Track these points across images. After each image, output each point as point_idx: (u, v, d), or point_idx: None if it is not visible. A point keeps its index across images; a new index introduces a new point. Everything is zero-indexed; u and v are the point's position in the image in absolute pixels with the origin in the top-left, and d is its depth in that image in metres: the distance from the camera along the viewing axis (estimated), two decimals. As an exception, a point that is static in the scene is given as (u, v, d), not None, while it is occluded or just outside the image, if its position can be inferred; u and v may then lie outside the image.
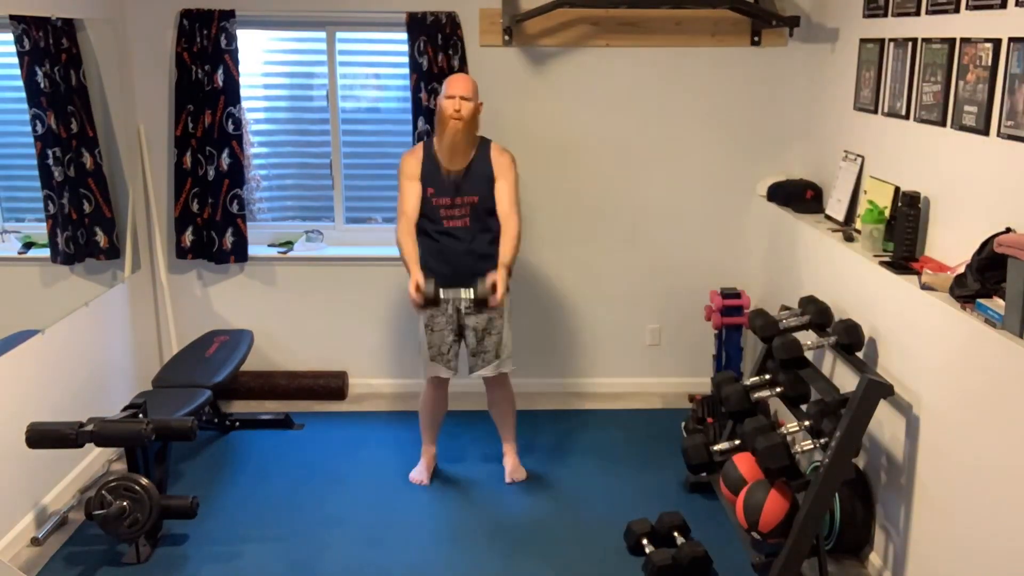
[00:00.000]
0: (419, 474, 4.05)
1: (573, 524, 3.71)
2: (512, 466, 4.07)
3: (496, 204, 3.76)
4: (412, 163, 3.79)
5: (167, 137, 4.70)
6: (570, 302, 4.94)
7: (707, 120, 4.73)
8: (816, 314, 3.57)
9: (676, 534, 3.47)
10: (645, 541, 3.45)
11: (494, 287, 3.60)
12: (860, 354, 3.33)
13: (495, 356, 3.89)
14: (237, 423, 4.55)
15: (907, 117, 3.43)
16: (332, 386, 4.91)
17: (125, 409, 3.61)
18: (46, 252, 4.06)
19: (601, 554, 3.50)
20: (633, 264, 4.91)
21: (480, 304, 3.63)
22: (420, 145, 3.85)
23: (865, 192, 3.75)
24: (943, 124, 3.15)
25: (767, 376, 3.64)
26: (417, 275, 3.64)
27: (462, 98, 3.67)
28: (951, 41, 3.09)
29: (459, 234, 3.77)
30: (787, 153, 4.75)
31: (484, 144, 3.81)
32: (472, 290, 3.62)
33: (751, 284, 4.80)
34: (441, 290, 3.64)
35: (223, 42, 4.52)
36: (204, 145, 4.63)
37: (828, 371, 3.67)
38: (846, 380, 3.49)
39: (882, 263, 3.26)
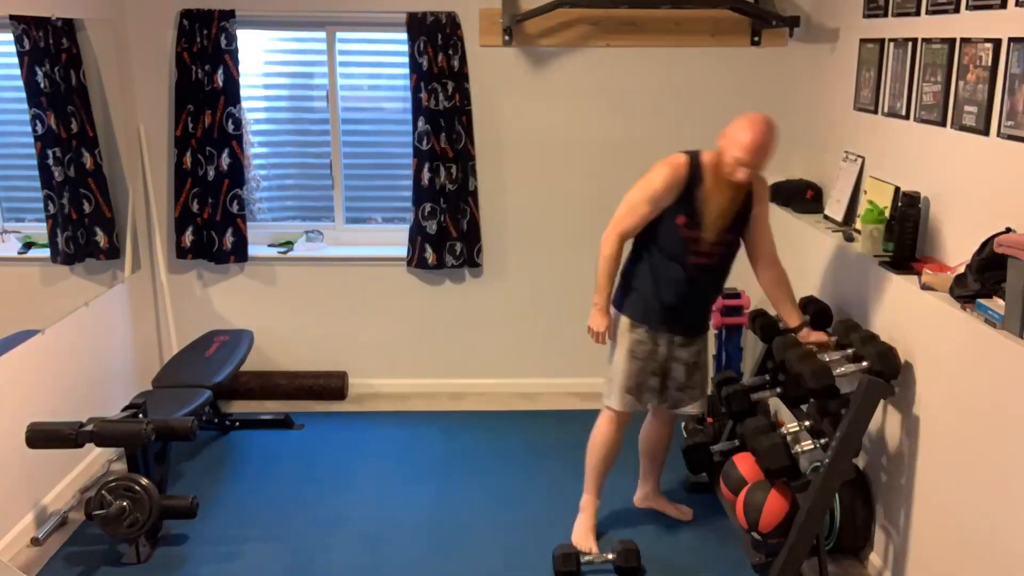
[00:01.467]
0: (587, 541, 3.49)
1: (571, 522, 3.69)
2: (674, 506, 3.76)
3: (758, 246, 3.38)
4: (674, 185, 3.22)
5: (167, 137, 4.70)
6: (571, 302, 4.93)
7: (707, 120, 4.70)
8: (816, 314, 3.57)
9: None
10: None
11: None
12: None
13: (702, 393, 3.50)
14: (237, 423, 4.54)
15: (907, 117, 3.43)
16: (332, 386, 4.91)
17: (125, 409, 3.61)
18: (46, 252, 4.06)
19: (599, 551, 3.50)
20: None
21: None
22: (686, 160, 3.24)
23: (865, 192, 3.75)
24: (943, 124, 3.15)
25: (767, 376, 3.64)
26: (605, 320, 3.33)
27: (753, 170, 3.15)
28: (951, 41, 3.10)
29: (704, 272, 3.33)
30: (787, 153, 4.73)
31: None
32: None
33: (751, 284, 4.79)
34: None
35: (223, 42, 4.52)
36: (204, 145, 4.63)
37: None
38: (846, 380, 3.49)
39: (882, 263, 3.26)
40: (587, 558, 3.39)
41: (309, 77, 4.84)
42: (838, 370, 3.16)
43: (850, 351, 3.19)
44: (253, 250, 4.84)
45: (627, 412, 3.47)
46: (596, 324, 3.36)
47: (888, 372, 3.01)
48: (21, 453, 3.43)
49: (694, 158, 3.26)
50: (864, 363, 3.06)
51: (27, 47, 3.79)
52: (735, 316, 4.46)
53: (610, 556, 3.38)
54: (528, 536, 3.62)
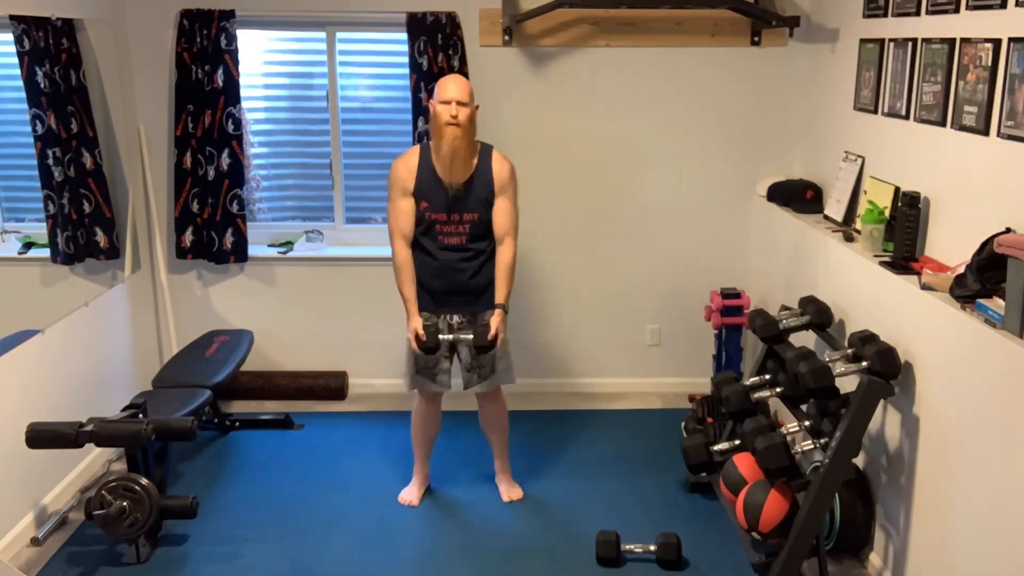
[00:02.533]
0: (409, 494, 3.87)
1: (573, 524, 3.70)
2: (507, 486, 3.94)
3: (493, 223, 3.57)
4: (405, 174, 3.54)
5: (167, 137, 4.70)
6: (570, 302, 4.94)
7: (707, 120, 4.74)
8: (816, 314, 3.57)
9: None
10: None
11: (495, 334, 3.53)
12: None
13: (491, 371, 3.71)
14: (237, 423, 4.55)
15: (907, 117, 3.43)
16: (332, 386, 4.91)
17: (125, 409, 3.61)
18: (46, 252, 4.06)
19: (598, 561, 3.50)
20: (633, 264, 4.91)
21: (482, 349, 3.55)
22: (415, 151, 3.59)
23: (865, 192, 3.75)
24: (943, 124, 3.15)
25: (767, 376, 3.64)
26: (416, 322, 3.52)
27: (459, 103, 3.41)
28: (951, 41, 3.10)
29: (456, 252, 3.58)
30: (787, 153, 4.75)
31: (485, 152, 3.58)
32: (471, 335, 3.54)
33: (751, 284, 4.80)
34: (440, 336, 3.55)
35: (223, 42, 4.52)
36: (204, 145, 4.63)
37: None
38: (846, 380, 3.49)
39: (882, 263, 3.26)
40: (628, 546, 3.45)
41: (309, 77, 4.84)
42: (838, 370, 3.16)
43: (850, 351, 3.19)
44: (253, 250, 4.84)
45: (427, 392, 3.75)
46: (411, 328, 3.59)
47: (888, 372, 3.00)
48: (21, 453, 3.43)
49: (424, 144, 3.60)
50: (864, 363, 3.06)
51: (27, 47, 3.80)
52: (735, 316, 4.46)
53: (652, 548, 3.42)
54: (528, 536, 3.62)
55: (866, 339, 3.12)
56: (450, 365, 3.72)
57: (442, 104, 3.44)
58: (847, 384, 3.42)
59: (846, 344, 3.27)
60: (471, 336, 3.55)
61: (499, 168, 3.57)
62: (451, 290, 3.61)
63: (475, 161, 3.54)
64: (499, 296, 3.60)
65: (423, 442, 3.90)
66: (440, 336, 3.56)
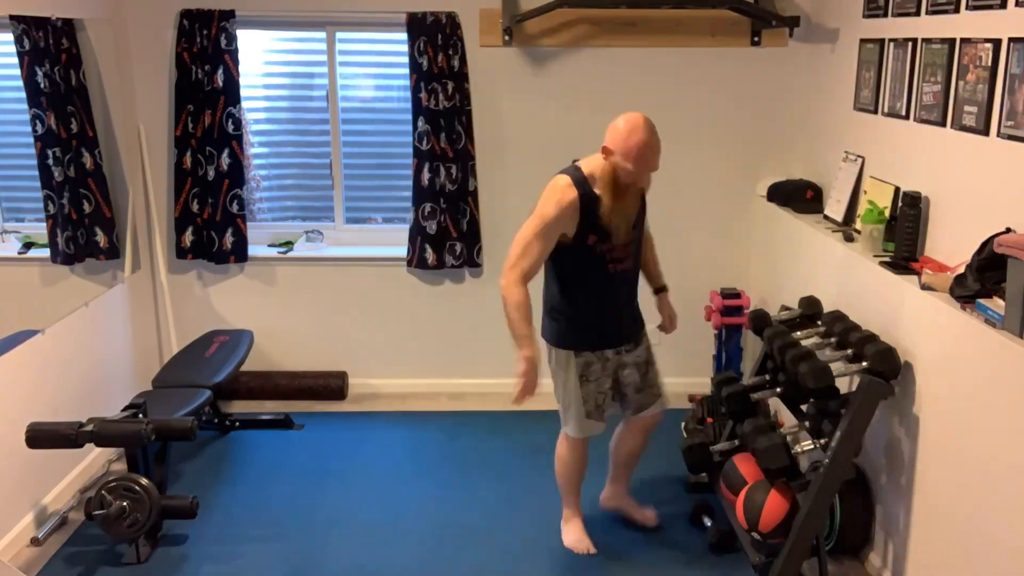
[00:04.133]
0: (583, 543, 3.49)
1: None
2: (642, 509, 3.68)
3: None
4: (571, 212, 3.12)
5: (167, 137, 4.70)
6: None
7: (707, 120, 4.73)
8: (816, 314, 3.57)
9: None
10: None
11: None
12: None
13: (661, 389, 3.45)
14: (237, 423, 4.54)
15: (907, 117, 3.43)
16: (332, 386, 4.91)
17: (125, 409, 3.61)
18: (46, 252, 4.06)
19: (599, 552, 3.50)
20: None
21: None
22: (573, 186, 3.16)
23: (865, 192, 3.75)
24: (943, 124, 3.15)
25: (767, 376, 3.64)
26: (533, 352, 3.16)
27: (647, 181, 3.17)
28: (951, 41, 3.10)
29: (624, 277, 3.29)
30: (787, 153, 4.75)
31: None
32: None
33: (751, 284, 4.80)
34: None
35: (223, 42, 4.52)
36: (204, 145, 4.63)
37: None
38: (847, 380, 3.49)
39: (882, 263, 3.26)
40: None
41: (309, 77, 4.84)
42: (838, 370, 3.16)
43: (850, 351, 3.19)
44: (253, 250, 4.84)
45: (587, 438, 3.41)
46: (529, 374, 3.19)
47: (888, 372, 3.00)
48: (21, 453, 3.43)
49: (576, 175, 3.19)
50: (864, 363, 3.06)
51: (27, 47, 3.80)
52: (735, 316, 4.46)
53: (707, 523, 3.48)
54: (528, 535, 3.62)
55: (866, 339, 3.12)
56: (617, 396, 3.42)
57: (637, 172, 3.14)
58: (844, 381, 3.42)
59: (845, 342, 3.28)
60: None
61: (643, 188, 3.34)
62: (619, 320, 3.34)
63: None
64: (663, 278, 3.57)
65: (579, 485, 3.54)
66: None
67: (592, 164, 3.21)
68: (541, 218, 3.13)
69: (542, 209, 3.15)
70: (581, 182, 3.16)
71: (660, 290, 3.62)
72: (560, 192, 3.15)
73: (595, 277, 3.24)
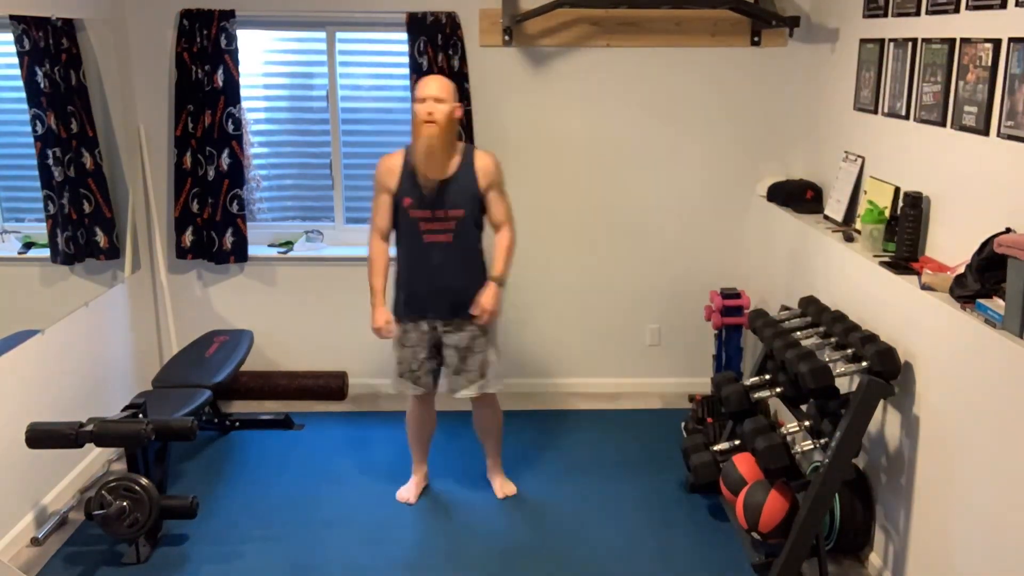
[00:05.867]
0: (407, 492, 3.88)
1: (572, 523, 3.70)
2: (500, 481, 3.95)
3: (489, 216, 3.58)
4: (387, 173, 3.53)
5: (167, 137, 4.70)
6: (570, 302, 4.94)
7: (707, 120, 4.74)
8: (816, 314, 3.57)
9: None
10: None
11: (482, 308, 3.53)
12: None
13: (479, 376, 3.65)
14: (237, 423, 4.55)
15: (907, 117, 3.43)
16: (332, 386, 4.91)
17: (125, 409, 3.61)
18: (46, 252, 4.05)
19: (600, 551, 3.50)
20: (633, 264, 4.91)
21: (467, 319, 3.58)
22: (401, 151, 3.57)
23: (865, 192, 3.75)
24: (943, 124, 3.15)
25: (767, 376, 3.64)
26: (380, 312, 3.60)
27: (435, 100, 3.39)
28: (951, 41, 3.10)
29: (441, 250, 3.53)
30: (787, 153, 4.75)
31: (468, 151, 3.56)
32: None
33: (751, 284, 4.80)
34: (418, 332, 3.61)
35: (223, 42, 4.52)
36: (204, 145, 4.63)
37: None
38: (847, 380, 3.49)
39: (882, 263, 3.26)
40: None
41: (309, 77, 4.84)
42: (838, 370, 3.16)
43: (850, 351, 3.19)
44: (253, 250, 4.84)
45: (413, 394, 3.73)
46: (374, 320, 3.65)
47: (888, 372, 3.01)
48: (21, 453, 3.43)
49: (408, 144, 3.55)
50: (864, 363, 3.06)
51: (27, 47, 3.79)
52: (735, 316, 4.46)
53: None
54: (528, 535, 3.62)
55: (866, 339, 3.12)
56: (435, 366, 3.69)
57: (419, 103, 3.43)
58: (844, 381, 3.42)
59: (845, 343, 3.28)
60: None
61: (483, 163, 3.55)
62: (435, 291, 3.56)
63: (457, 159, 3.51)
64: (496, 269, 3.59)
65: (418, 442, 3.92)
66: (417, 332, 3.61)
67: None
68: (376, 177, 3.60)
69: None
70: (409, 150, 3.55)
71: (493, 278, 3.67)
72: (388, 155, 3.60)
73: (411, 244, 3.56)
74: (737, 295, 4.50)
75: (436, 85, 3.44)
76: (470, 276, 3.58)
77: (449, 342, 3.63)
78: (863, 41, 3.84)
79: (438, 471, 4.11)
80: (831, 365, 3.18)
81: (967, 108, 2.98)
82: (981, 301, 2.62)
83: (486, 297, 3.53)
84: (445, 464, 4.18)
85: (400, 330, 3.65)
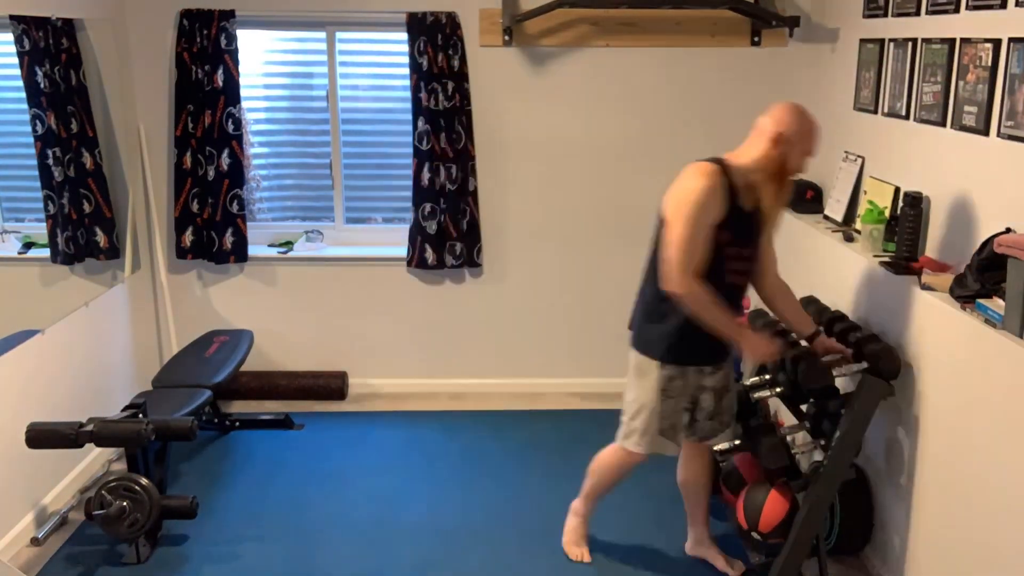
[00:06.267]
0: (578, 551, 3.45)
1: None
2: (720, 559, 3.40)
3: (764, 255, 3.11)
4: (716, 199, 2.88)
5: (167, 137, 4.70)
6: (571, 302, 4.94)
7: (707, 120, 4.73)
8: (816, 314, 3.57)
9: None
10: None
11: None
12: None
13: (731, 419, 3.23)
14: (237, 423, 4.54)
15: (907, 117, 3.43)
16: (332, 386, 4.91)
17: (125, 409, 3.61)
18: (46, 252, 4.05)
19: (600, 551, 3.50)
20: (633, 264, 4.87)
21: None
22: (715, 172, 2.91)
23: (865, 192, 3.75)
24: (943, 124, 3.15)
25: (767, 376, 3.64)
26: (760, 337, 3.09)
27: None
28: (951, 41, 3.10)
29: (742, 290, 3.09)
30: (787, 153, 4.74)
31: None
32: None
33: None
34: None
35: (223, 42, 4.52)
36: (204, 145, 4.63)
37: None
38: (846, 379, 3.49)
39: (882, 263, 3.26)
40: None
41: (309, 77, 4.84)
42: (838, 370, 3.16)
43: (850, 351, 3.19)
44: (253, 250, 4.84)
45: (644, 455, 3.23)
46: (767, 348, 3.05)
47: (888, 372, 3.00)
48: (21, 453, 3.43)
49: (720, 164, 2.95)
50: (864, 363, 3.06)
51: (27, 47, 3.79)
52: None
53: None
54: (528, 535, 3.62)
55: (866, 339, 3.12)
56: (689, 419, 3.18)
57: (807, 157, 2.98)
58: (844, 381, 3.42)
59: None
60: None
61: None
62: (715, 337, 3.00)
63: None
64: (812, 324, 3.23)
65: (608, 492, 3.45)
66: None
67: (736, 157, 2.99)
68: (694, 202, 2.85)
69: (689, 193, 2.87)
70: (724, 168, 2.93)
71: (814, 335, 3.23)
72: (707, 173, 2.89)
73: (710, 281, 2.92)
74: (737, 295, 4.49)
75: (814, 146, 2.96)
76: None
77: (709, 384, 3.10)
78: (863, 41, 3.84)
79: (437, 471, 4.10)
80: (832, 366, 3.17)
81: (967, 108, 2.98)
82: (981, 301, 2.62)
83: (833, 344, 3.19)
84: (446, 465, 4.17)
85: (663, 378, 3.08)
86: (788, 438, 3.25)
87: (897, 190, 3.48)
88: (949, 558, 2.77)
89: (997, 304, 2.55)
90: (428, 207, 4.68)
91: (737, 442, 3.57)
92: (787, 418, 3.68)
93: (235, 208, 4.71)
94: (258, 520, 3.72)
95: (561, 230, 4.85)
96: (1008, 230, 2.67)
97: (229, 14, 4.51)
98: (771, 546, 3.20)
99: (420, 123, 4.59)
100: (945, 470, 2.80)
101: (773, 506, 3.14)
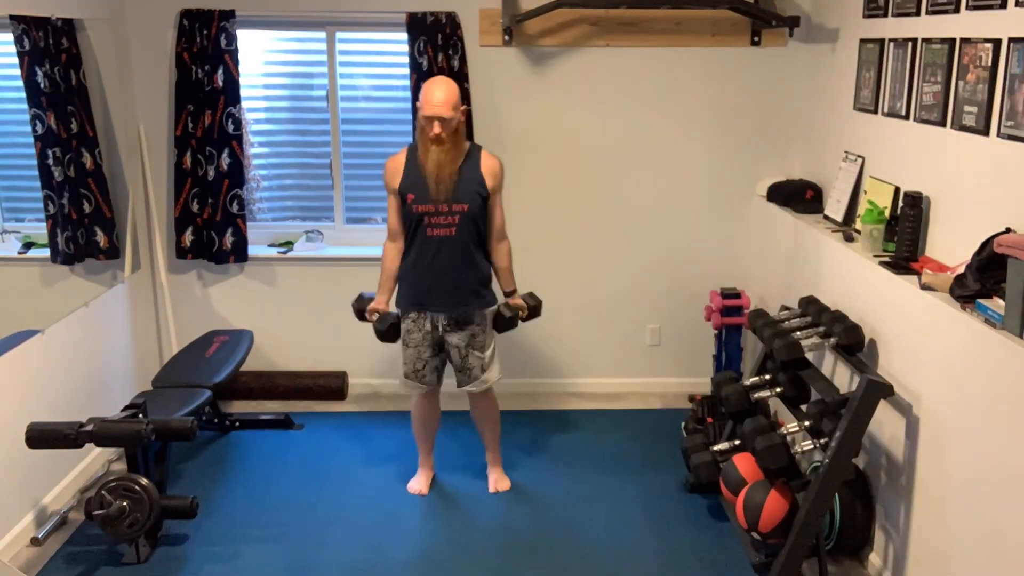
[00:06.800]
0: (417, 484, 3.97)
1: (573, 523, 3.70)
2: (496, 477, 4.00)
3: (490, 220, 3.67)
4: (392, 173, 3.62)
5: (167, 137, 4.70)
6: (570, 302, 4.94)
7: (707, 120, 4.74)
8: (816, 314, 3.57)
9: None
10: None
11: (518, 311, 3.76)
12: (860, 354, 3.33)
13: (481, 371, 3.74)
14: (237, 423, 4.55)
15: (907, 117, 3.43)
16: (332, 386, 4.91)
17: (125, 409, 3.61)
18: (46, 252, 4.06)
19: (599, 552, 3.50)
20: (633, 264, 4.91)
21: (506, 326, 3.77)
22: (404, 150, 3.65)
23: (865, 192, 3.75)
24: (943, 124, 3.15)
25: (767, 376, 3.64)
26: (381, 301, 3.71)
27: (441, 120, 3.44)
28: (951, 41, 3.10)
29: (443, 244, 3.58)
30: (787, 153, 4.75)
31: (474, 150, 3.65)
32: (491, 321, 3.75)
33: (751, 284, 4.80)
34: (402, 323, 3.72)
35: (223, 42, 4.52)
36: (204, 145, 4.63)
37: (828, 371, 3.67)
38: (846, 380, 3.49)
39: (882, 263, 3.26)
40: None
41: (309, 77, 4.84)
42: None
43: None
44: (253, 250, 4.84)
45: (419, 393, 3.82)
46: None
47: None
48: (21, 453, 3.43)
49: (411, 144, 3.66)
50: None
51: (27, 47, 3.79)
52: (735, 316, 4.46)
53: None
54: (528, 535, 3.62)
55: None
56: (439, 363, 3.77)
57: (425, 118, 3.48)
58: (844, 383, 3.42)
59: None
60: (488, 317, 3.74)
61: (490, 165, 3.64)
62: (439, 286, 3.62)
63: (462, 159, 3.58)
64: (510, 284, 3.80)
65: (424, 437, 3.98)
66: (398, 325, 3.72)
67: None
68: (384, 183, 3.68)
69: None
70: (412, 149, 3.62)
71: (509, 294, 3.82)
72: (391, 156, 3.68)
73: (420, 238, 3.59)
74: (737, 295, 4.50)
75: (444, 99, 3.45)
76: (471, 270, 3.64)
77: (451, 341, 3.70)
78: (863, 41, 3.84)
79: (442, 472, 4.10)
80: (835, 367, 3.18)
81: (967, 108, 2.98)
82: (981, 301, 2.62)
83: (519, 305, 3.78)
84: (447, 465, 4.18)
85: (404, 329, 3.72)
86: (788, 438, 3.25)
87: (897, 190, 3.48)
88: (949, 558, 2.77)
89: (997, 304, 2.55)
90: (428, 207, 4.68)
91: (737, 442, 3.57)
92: (787, 418, 3.68)
93: (235, 208, 4.71)
94: (258, 520, 3.72)
95: (561, 229, 4.85)
96: (1008, 230, 2.66)
97: (229, 14, 4.51)
98: (771, 546, 3.20)
99: (420, 123, 4.59)
100: (945, 470, 2.80)
101: (773, 506, 3.14)
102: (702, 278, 4.86)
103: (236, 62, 4.58)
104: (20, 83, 3.83)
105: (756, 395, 3.59)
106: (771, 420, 3.54)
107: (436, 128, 3.45)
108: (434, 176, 3.51)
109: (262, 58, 4.83)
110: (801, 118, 4.63)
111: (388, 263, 3.72)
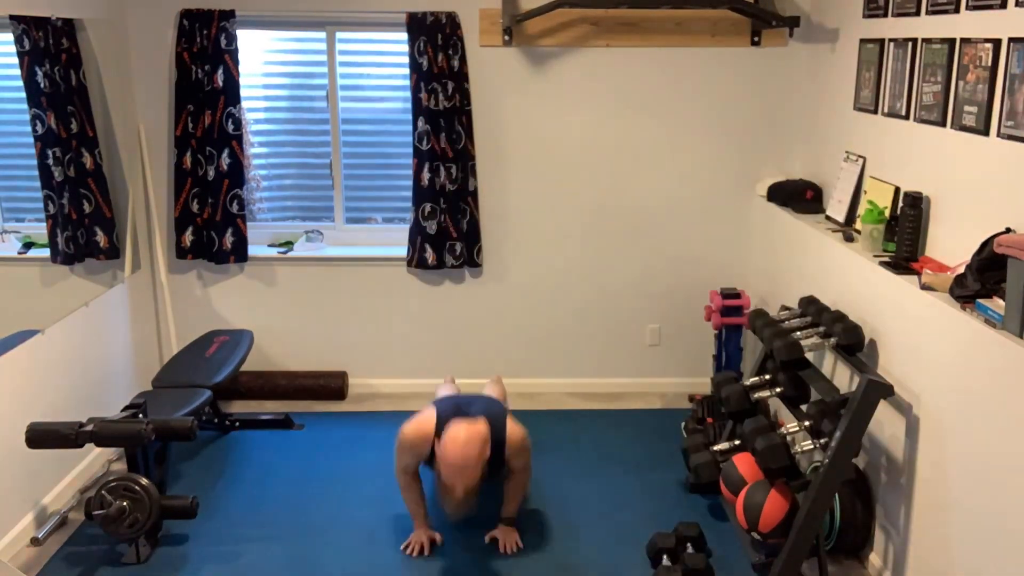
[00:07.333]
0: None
1: (573, 522, 3.70)
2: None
3: (509, 468, 3.49)
4: (412, 455, 3.43)
5: (167, 137, 4.70)
6: (570, 302, 4.95)
7: (707, 120, 4.74)
8: (816, 314, 3.58)
9: (689, 546, 3.32)
10: (664, 557, 3.27)
11: (497, 542, 3.53)
12: (860, 354, 3.33)
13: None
14: (237, 423, 4.55)
15: (907, 117, 3.43)
16: (332, 386, 4.91)
17: (125, 409, 3.61)
18: (46, 252, 4.05)
19: (600, 550, 3.50)
20: (633, 264, 4.91)
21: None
22: (429, 436, 3.39)
23: (865, 192, 3.75)
24: (943, 124, 3.15)
25: (767, 376, 3.64)
26: (423, 528, 3.53)
27: (465, 491, 3.22)
28: (951, 41, 3.10)
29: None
30: (787, 153, 4.75)
31: (497, 438, 3.38)
32: None
33: (751, 284, 4.80)
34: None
35: (223, 42, 4.52)
36: (204, 145, 4.63)
37: (828, 372, 3.67)
38: (846, 380, 3.50)
39: (882, 263, 3.26)
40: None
41: (309, 77, 4.84)
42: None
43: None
44: (253, 250, 4.84)
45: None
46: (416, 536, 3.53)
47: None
48: (21, 453, 3.43)
49: (439, 427, 3.37)
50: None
51: (27, 47, 3.79)
52: (735, 316, 4.46)
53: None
54: (528, 535, 3.62)
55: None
56: None
57: (448, 486, 3.25)
58: (844, 383, 3.42)
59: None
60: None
61: (514, 447, 3.43)
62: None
63: (486, 468, 3.33)
64: (509, 511, 3.57)
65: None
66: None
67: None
68: (400, 444, 3.46)
69: (400, 438, 3.48)
70: (435, 433, 3.39)
71: (506, 520, 3.60)
72: (416, 431, 3.44)
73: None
74: (737, 295, 4.50)
75: (466, 482, 3.19)
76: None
77: None
78: (863, 41, 3.84)
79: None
80: (835, 366, 3.18)
81: (967, 108, 2.98)
82: (981, 301, 2.62)
83: (510, 540, 3.52)
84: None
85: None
86: (788, 438, 3.25)
87: (897, 190, 3.48)
88: (949, 558, 2.77)
89: (997, 304, 2.55)
90: (428, 207, 4.68)
91: (737, 442, 3.57)
92: (787, 418, 3.68)
93: (235, 208, 4.71)
94: (258, 520, 3.72)
95: (561, 230, 4.85)
96: (1008, 230, 2.67)
97: (229, 14, 4.51)
98: (771, 546, 3.20)
99: (420, 123, 4.59)
100: (945, 470, 2.80)
101: (773, 506, 3.14)
102: (702, 278, 4.87)
103: (236, 62, 4.58)
104: (20, 83, 3.83)
105: (756, 395, 3.59)
106: (771, 420, 3.54)
107: (459, 493, 3.23)
108: (457, 503, 3.34)
109: (262, 58, 4.83)
110: (801, 118, 4.63)
111: (412, 494, 3.51)
